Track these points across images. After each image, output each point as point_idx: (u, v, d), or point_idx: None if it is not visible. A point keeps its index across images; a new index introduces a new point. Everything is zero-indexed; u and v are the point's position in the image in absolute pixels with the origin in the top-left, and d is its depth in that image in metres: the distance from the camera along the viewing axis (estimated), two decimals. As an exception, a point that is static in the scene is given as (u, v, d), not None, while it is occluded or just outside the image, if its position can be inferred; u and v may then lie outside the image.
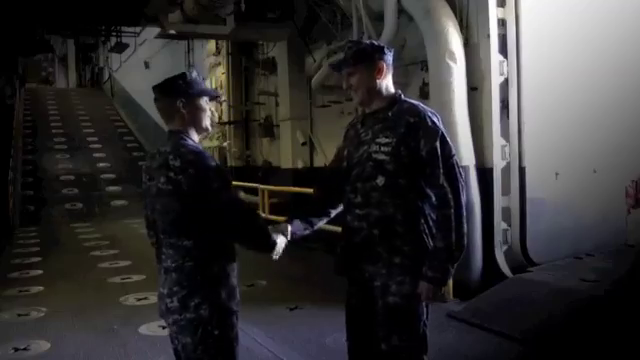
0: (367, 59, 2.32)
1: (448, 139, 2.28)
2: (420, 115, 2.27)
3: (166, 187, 2.08)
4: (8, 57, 16.45)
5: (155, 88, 2.21)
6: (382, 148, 2.27)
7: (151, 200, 2.18)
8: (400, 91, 2.40)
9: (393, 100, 2.36)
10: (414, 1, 5.60)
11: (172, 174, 2.06)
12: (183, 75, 2.19)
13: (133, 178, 13.44)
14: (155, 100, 2.22)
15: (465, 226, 2.27)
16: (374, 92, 2.34)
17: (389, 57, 2.37)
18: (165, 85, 2.20)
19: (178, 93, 2.16)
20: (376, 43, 2.42)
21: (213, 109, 2.32)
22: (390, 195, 2.27)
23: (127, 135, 17.55)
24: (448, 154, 2.25)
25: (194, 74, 2.23)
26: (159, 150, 2.17)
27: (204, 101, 2.23)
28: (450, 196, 2.22)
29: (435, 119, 2.28)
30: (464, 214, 2.25)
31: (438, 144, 2.23)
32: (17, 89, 18.83)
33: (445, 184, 2.22)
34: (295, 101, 9.47)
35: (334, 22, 7.97)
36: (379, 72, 2.32)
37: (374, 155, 2.29)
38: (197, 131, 2.23)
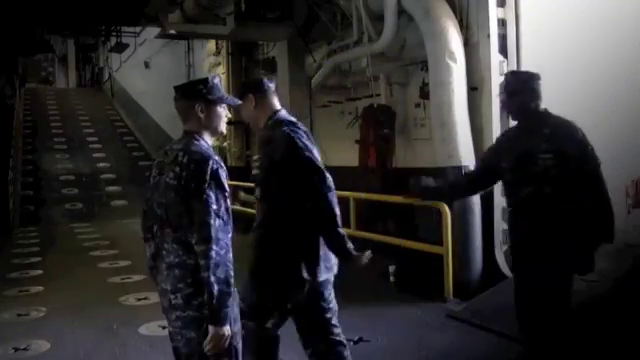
0: (242, 97, 2.77)
1: (302, 152, 2.54)
2: (275, 129, 2.64)
3: (172, 182, 2.14)
4: (8, 57, 16.44)
5: (176, 89, 2.27)
6: (255, 164, 2.74)
7: (159, 194, 2.21)
8: (279, 109, 2.75)
9: (269, 120, 2.73)
10: (414, 1, 5.60)
11: (178, 169, 2.13)
12: (205, 80, 2.25)
13: (133, 178, 13.43)
14: (175, 100, 2.28)
15: None
16: (257, 119, 2.81)
17: (261, 86, 2.76)
18: (186, 88, 2.27)
19: (197, 97, 2.22)
20: (248, 81, 2.75)
21: (230, 115, 2.36)
22: (266, 204, 2.68)
23: (127, 135, 17.54)
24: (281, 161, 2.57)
25: (216, 80, 2.28)
26: (172, 147, 2.24)
27: (222, 107, 2.28)
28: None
29: (289, 131, 2.59)
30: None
31: (278, 156, 2.57)
32: (17, 89, 18.83)
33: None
34: (295, 101, 9.46)
35: (334, 22, 7.96)
36: (250, 103, 2.77)
37: (253, 172, 2.79)
38: (211, 134, 2.29)
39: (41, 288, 5.98)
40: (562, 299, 2.79)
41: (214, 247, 2.03)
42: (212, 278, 2.01)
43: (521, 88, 2.87)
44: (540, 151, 2.75)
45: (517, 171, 2.84)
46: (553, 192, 2.71)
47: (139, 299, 5.38)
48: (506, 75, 3.07)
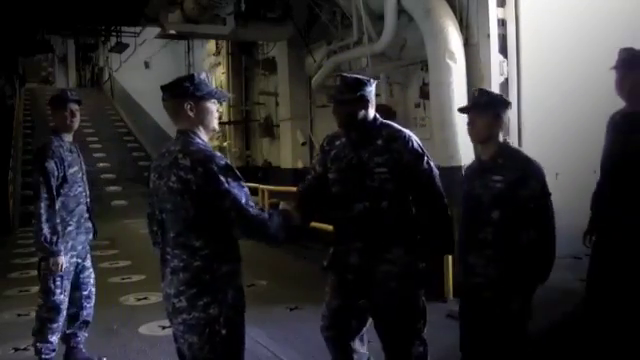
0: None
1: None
2: None
3: (176, 186, 2.07)
4: (8, 57, 16.46)
5: (163, 88, 2.20)
6: None
7: (160, 199, 2.16)
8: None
9: None
10: (414, 1, 5.60)
11: (182, 173, 2.06)
12: (191, 77, 2.19)
13: (133, 178, 13.43)
14: (163, 100, 2.21)
15: None
16: None
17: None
18: (172, 86, 2.20)
19: (185, 95, 2.15)
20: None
21: (220, 110, 2.27)
22: None
23: (127, 135, 17.54)
24: None
25: (202, 75, 2.21)
26: (169, 149, 2.16)
27: (212, 103, 2.22)
28: None
29: None
30: None
31: None
32: (17, 89, 18.83)
33: None
34: (295, 101, 9.47)
35: (334, 22, 7.97)
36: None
37: None
38: (205, 131, 2.22)
39: (41, 288, 5.97)
40: (417, 317, 2.64)
41: (270, 227, 2.14)
42: (281, 234, 2.20)
43: (349, 96, 2.55)
44: (375, 164, 2.52)
45: (348, 185, 2.60)
46: (389, 207, 2.52)
47: (139, 299, 5.37)
48: (335, 79, 2.78)
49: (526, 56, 5.44)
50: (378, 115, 2.65)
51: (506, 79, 5.42)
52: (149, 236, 2.33)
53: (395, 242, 2.55)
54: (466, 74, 5.32)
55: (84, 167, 3.75)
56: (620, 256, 3.00)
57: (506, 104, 2.67)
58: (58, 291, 3.50)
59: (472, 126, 2.66)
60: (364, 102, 2.56)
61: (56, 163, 3.44)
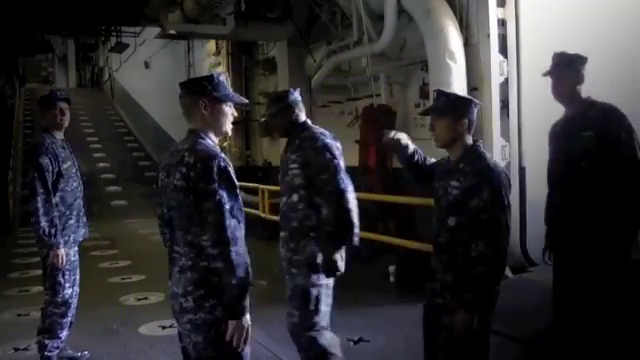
0: None
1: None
2: None
3: (180, 183, 2.09)
4: (8, 57, 16.46)
5: (181, 85, 2.23)
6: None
7: (167, 197, 2.17)
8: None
9: None
10: (414, 1, 5.60)
11: (185, 169, 2.07)
12: (211, 77, 2.20)
13: (133, 178, 13.44)
14: (180, 96, 2.23)
15: None
16: None
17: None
18: (191, 83, 2.24)
19: (202, 94, 2.17)
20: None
21: (236, 114, 2.29)
22: None
23: (127, 135, 17.55)
24: None
25: (222, 77, 2.22)
26: (177, 148, 2.19)
27: (227, 106, 2.22)
28: None
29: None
30: None
31: None
32: (17, 89, 18.83)
33: None
34: (295, 101, 9.47)
35: (334, 22, 7.96)
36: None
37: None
38: (216, 133, 2.22)
39: (41, 288, 5.94)
40: (308, 305, 2.87)
41: (233, 248, 2.01)
42: (234, 280, 2.00)
43: (278, 108, 2.95)
44: (291, 161, 2.87)
45: (280, 181, 3.00)
46: (299, 200, 2.85)
47: (139, 299, 5.38)
48: (269, 96, 3.20)
49: (526, 56, 5.43)
50: (309, 121, 2.99)
51: (506, 79, 5.41)
52: (160, 238, 2.32)
53: (305, 233, 2.85)
54: (466, 74, 5.31)
55: (77, 163, 3.79)
56: (577, 263, 3.01)
57: (468, 104, 2.47)
58: (67, 285, 3.55)
59: (432, 130, 2.56)
60: (291, 109, 2.94)
61: (50, 159, 3.49)
